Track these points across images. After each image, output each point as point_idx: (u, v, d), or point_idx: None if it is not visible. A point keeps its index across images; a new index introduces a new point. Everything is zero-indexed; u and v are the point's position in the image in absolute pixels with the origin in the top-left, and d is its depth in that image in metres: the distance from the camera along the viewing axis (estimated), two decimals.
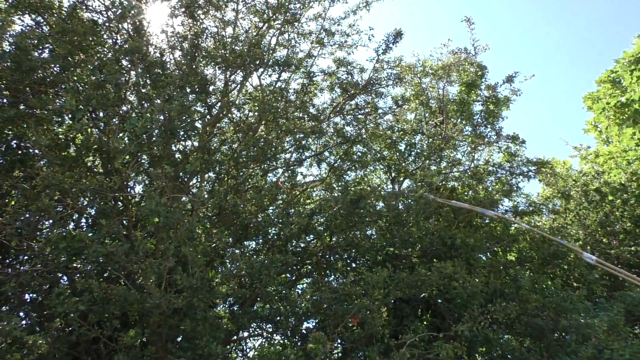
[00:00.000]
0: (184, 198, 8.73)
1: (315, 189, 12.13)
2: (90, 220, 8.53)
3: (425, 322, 10.25)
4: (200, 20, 9.57)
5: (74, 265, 7.20)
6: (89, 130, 7.54)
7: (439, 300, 10.18)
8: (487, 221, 13.28)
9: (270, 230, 9.60)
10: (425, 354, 6.66)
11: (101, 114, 8.16)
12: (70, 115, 7.08)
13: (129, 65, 8.56)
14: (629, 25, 37.51)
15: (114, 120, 8.06)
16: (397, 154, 13.08)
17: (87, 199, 7.14)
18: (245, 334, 9.49)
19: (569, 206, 14.45)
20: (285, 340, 9.11)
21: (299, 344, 8.43)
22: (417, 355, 6.48)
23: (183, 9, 9.10)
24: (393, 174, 13.19)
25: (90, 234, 6.24)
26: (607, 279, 12.47)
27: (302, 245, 9.71)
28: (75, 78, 7.59)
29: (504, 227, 13.01)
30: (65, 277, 7.60)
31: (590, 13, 36.36)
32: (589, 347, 7.52)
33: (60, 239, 5.97)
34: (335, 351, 9.60)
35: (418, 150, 13.17)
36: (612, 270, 8.54)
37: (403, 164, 12.80)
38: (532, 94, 40.96)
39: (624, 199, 13.53)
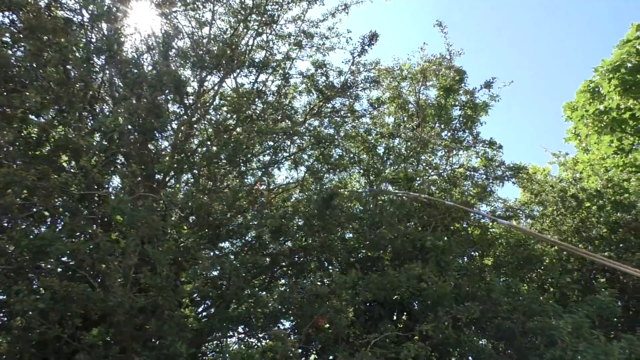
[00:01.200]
0: (160, 199, 8.68)
1: (293, 192, 12.11)
2: (59, 220, 8.44)
3: (400, 325, 10.26)
4: (176, 21, 9.57)
5: (41, 264, 7.12)
6: (59, 128, 7.48)
7: (414, 304, 10.21)
8: (465, 225, 13.37)
9: (243, 232, 9.58)
10: (388, 353, 6.66)
11: (75, 113, 8.11)
12: (35, 114, 7.01)
13: (104, 65, 8.53)
14: (611, 34, 38.05)
15: (88, 118, 8.02)
16: (375, 157, 13.12)
17: (54, 197, 7.05)
18: (219, 335, 9.43)
19: (545, 212, 14.57)
20: (259, 342, 9.08)
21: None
22: (379, 354, 6.49)
23: (158, 11, 9.09)
24: (371, 178, 13.22)
25: (54, 232, 6.18)
26: (582, 283, 12.60)
27: (276, 247, 9.68)
28: (46, 75, 7.52)
29: (481, 231, 13.12)
30: (33, 276, 7.52)
31: (572, 21, 36.83)
32: (557, 349, 7.58)
33: (21, 236, 5.90)
34: (312, 351, 9.61)
35: (396, 154, 13.23)
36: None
37: (381, 168, 12.84)
38: (514, 101, 41.32)
39: (600, 205, 13.67)
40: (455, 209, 11.75)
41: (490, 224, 13.77)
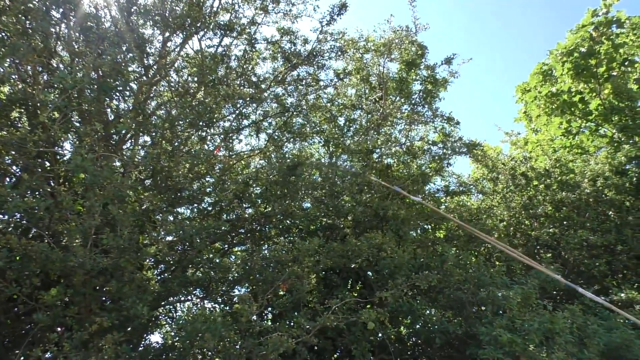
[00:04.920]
0: (117, 162, 8.47)
1: (253, 159, 12.06)
2: (13, 178, 8.14)
3: (355, 293, 10.53)
4: None
5: None
6: (13, 81, 7.14)
7: (369, 272, 10.48)
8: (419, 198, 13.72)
9: (205, 198, 9.51)
10: (350, 318, 6.86)
11: (28, 67, 7.74)
12: None
13: (61, 18, 8.14)
14: (570, 17, 39.20)
15: (42, 73, 7.67)
16: (336, 128, 13.19)
17: (10, 155, 6.78)
18: (175, 299, 9.42)
19: (496, 188, 15.10)
20: (216, 307, 9.13)
21: (228, 310, 8.47)
22: (341, 318, 6.68)
23: None
24: (331, 148, 13.30)
25: (9, 189, 5.95)
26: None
27: (237, 212, 9.68)
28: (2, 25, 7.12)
29: (434, 205, 13.50)
30: None
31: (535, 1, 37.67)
32: (504, 318, 7.98)
33: None
34: (266, 318, 9.74)
35: (357, 126, 13.34)
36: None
37: (341, 139, 12.93)
38: (471, 78, 42.28)
39: (547, 184, 14.25)
40: (412, 181, 12.03)
41: (443, 198, 14.22)
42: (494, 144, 19.27)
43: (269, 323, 9.51)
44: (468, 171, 28.34)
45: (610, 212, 13.50)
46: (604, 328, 7.67)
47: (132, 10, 8.85)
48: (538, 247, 13.80)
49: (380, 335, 8.87)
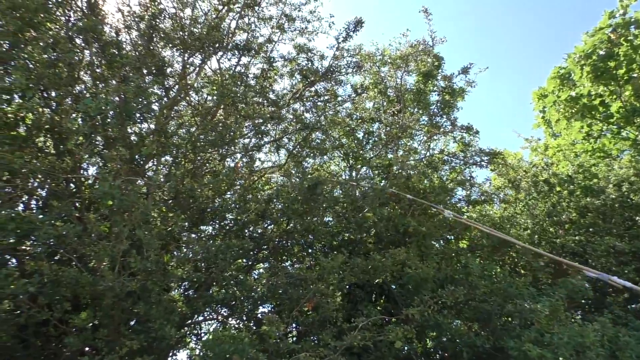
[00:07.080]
0: (139, 181, 8.61)
1: (273, 175, 12.14)
2: (40, 202, 8.33)
3: (379, 307, 10.48)
4: (158, 1, 9.38)
5: (23, 247, 7.03)
6: (40, 109, 7.32)
7: (393, 286, 10.43)
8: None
9: (227, 215, 9.61)
10: (377, 336, 6.84)
11: (53, 94, 7.95)
12: (20, 94, 6.83)
13: (83, 45, 8.34)
14: (585, 20, 38.82)
15: (67, 100, 7.86)
16: (355, 141, 13.23)
17: (38, 180, 6.95)
18: (200, 318, 9.49)
19: (519, 196, 14.94)
20: (241, 325, 9.17)
21: (254, 328, 8.51)
22: (368, 337, 6.66)
23: None
24: (351, 162, 13.34)
25: (40, 216, 6.11)
26: (552, 266, 13.04)
27: (259, 230, 9.74)
28: (26, 55, 7.33)
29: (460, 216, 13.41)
30: (14, 260, 7.42)
31: (547, 7, 37.43)
32: (532, 331, 7.87)
33: (8, 219, 5.81)
34: (290, 335, 9.73)
35: (376, 139, 13.36)
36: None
37: (361, 152, 12.96)
38: (487, 86, 41.98)
39: (571, 190, 14.06)
40: (433, 193, 11.99)
41: (465, 208, 14.11)
42: (513, 150, 19.08)
43: (294, 340, 9.53)
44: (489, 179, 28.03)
45: (638, 217, 13.26)
46: (635, 339, 7.52)
47: (153, 35, 9.03)
48: (564, 254, 13.58)
49: (406, 349, 8.81)
